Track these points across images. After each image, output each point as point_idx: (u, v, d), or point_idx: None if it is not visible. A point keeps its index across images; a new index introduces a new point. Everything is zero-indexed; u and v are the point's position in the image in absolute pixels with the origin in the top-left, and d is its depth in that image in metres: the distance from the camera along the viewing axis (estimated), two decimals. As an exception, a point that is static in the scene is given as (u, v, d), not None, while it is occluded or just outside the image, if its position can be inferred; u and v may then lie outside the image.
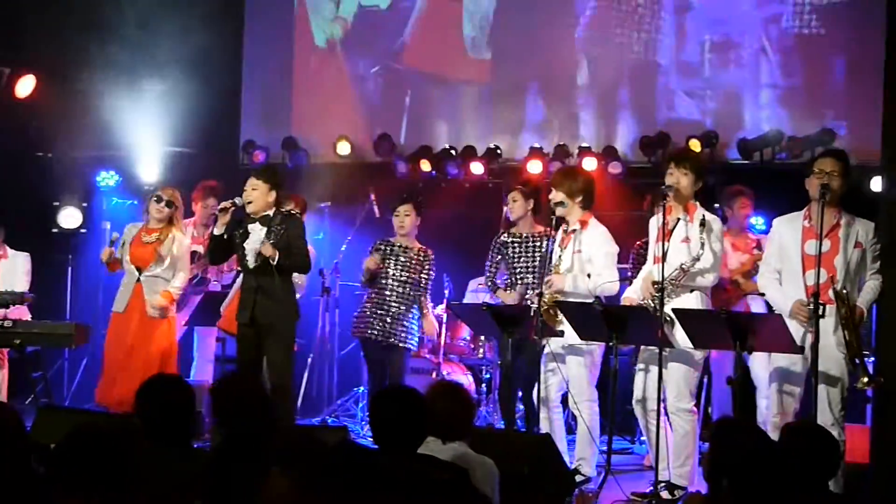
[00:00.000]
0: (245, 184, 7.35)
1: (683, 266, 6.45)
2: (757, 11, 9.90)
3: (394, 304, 8.01)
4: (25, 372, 8.34)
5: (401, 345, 8.00)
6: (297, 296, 7.67)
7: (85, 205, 10.78)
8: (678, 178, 6.64)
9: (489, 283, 7.88)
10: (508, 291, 7.60)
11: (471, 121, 10.79)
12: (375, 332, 7.99)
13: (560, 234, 7.10)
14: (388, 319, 7.99)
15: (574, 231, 7.06)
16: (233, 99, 11.36)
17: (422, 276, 8.05)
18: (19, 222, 8.76)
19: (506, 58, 10.68)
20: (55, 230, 10.67)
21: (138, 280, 7.97)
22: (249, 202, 7.24)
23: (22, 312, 8.26)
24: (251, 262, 7.23)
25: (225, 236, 7.26)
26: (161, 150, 10.94)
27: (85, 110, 10.67)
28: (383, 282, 8.04)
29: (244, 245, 7.27)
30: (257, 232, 7.25)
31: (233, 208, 7.23)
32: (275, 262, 7.09)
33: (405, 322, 8.02)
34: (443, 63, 10.89)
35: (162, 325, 7.98)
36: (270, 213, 7.30)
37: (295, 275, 7.62)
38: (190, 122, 11.03)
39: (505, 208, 8.92)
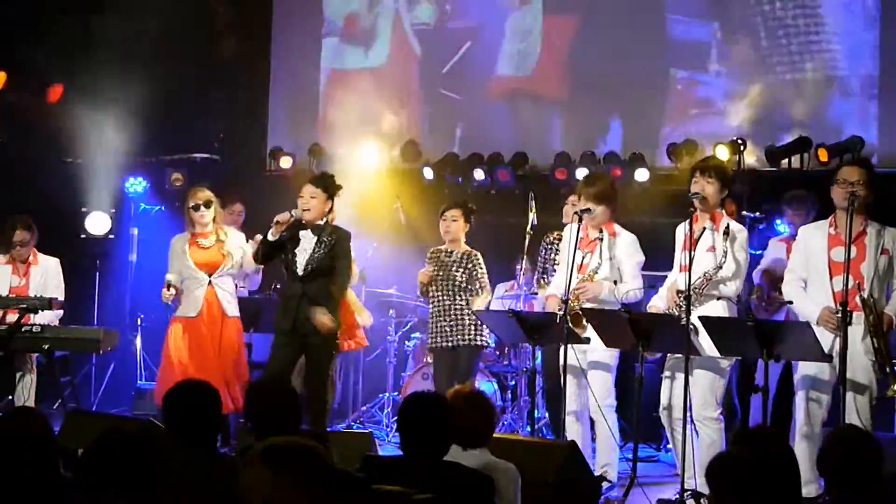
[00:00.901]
0: (286, 191, 7.37)
1: (707, 274, 6.42)
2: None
3: (452, 309, 8.09)
4: (53, 377, 8.37)
5: (469, 343, 8.05)
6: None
7: (113, 210, 10.84)
8: (703, 186, 6.61)
9: (540, 280, 8.01)
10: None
11: (497, 128, 10.79)
12: (445, 340, 8.08)
13: (576, 235, 7.05)
14: (451, 324, 8.07)
15: (600, 238, 7.03)
16: (260, 105, 11.41)
17: (464, 275, 8.08)
18: (47, 228, 8.81)
19: (531, 65, 10.68)
20: (83, 236, 10.74)
21: (210, 283, 7.98)
22: (307, 210, 7.22)
23: (50, 317, 8.30)
24: (300, 269, 7.22)
25: (277, 243, 7.25)
26: (188, 157, 10.99)
27: (113, 117, 10.74)
28: (437, 290, 8.11)
29: (294, 251, 7.25)
30: (308, 240, 7.24)
31: (292, 220, 7.21)
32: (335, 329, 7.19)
33: (468, 321, 8.07)
34: (469, 72, 10.89)
35: (238, 324, 8.07)
36: (322, 222, 7.29)
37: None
38: (217, 129, 11.09)
39: (531, 215, 8.93)
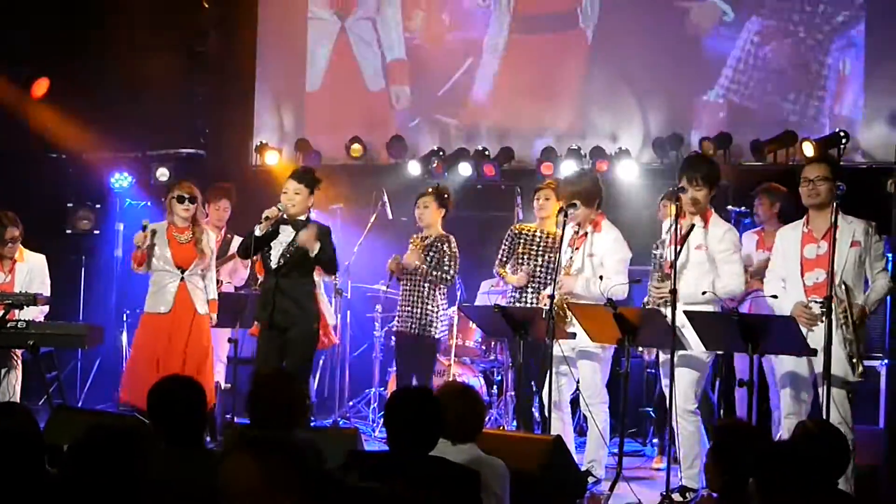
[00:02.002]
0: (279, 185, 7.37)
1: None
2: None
3: (412, 294, 8.15)
4: (39, 373, 8.35)
5: (426, 335, 8.10)
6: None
7: (98, 206, 10.82)
8: (693, 194, 6.67)
9: (498, 268, 8.01)
10: (517, 275, 7.73)
11: (484, 122, 10.79)
12: (403, 325, 8.18)
13: (570, 233, 7.08)
14: (410, 310, 8.14)
15: (587, 233, 7.04)
16: (246, 100, 11.38)
17: (434, 259, 8.09)
18: (33, 223, 8.78)
19: (516, 60, 10.69)
20: (69, 231, 10.71)
21: (182, 280, 7.91)
22: (292, 206, 7.21)
23: (35, 313, 8.28)
24: (274, 261, 7.22)
25: (262, 238, 7.22)
26: (174, 152, 10.97)
27: (99, 112, 10.71)
28: (410, 274, 8.17)
29: (270, 245, 7.24)
30: (287, 234, 7.24)
31: (279, 215, 7.19)
32: (313, 254, 7.12)
33: (425, 311, 8.08)
34: (453, 64, 10.89)
35: (207, 322, 8.00)
36: (303, 217, 7.29)
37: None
38: (203, 124, 11.07)
39: (517, 209, 8.95)
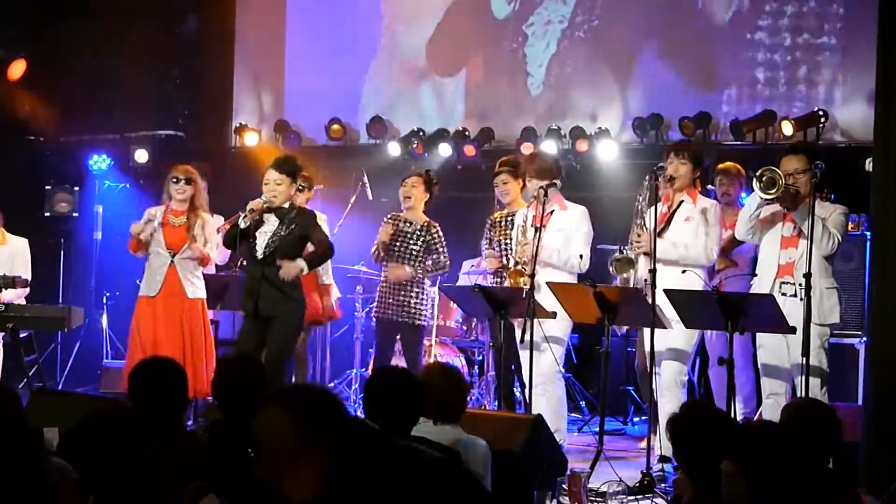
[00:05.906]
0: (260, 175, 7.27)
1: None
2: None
3: (400, 283, 8.05)
4: (18, 356, 8.33)
5: (410, 322, 8.04)
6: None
7: (77, 188, 10.77)
8: (677, 166, 6.84)
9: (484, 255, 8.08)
10: (490, 260, 7.80)
11: (463, 103, 10.78)
12: (388, 312, 8.06)
13: (530, 212, 7.21)
14: (397, 298, 8.05)
15: (552, 212, 7.14)
16: (225, 81, 11.34)
17: (421, 247, 8.06)
18: (11, 206, 8.76)
19: (498, 41, 10.68)
20: (47, 214, 10.67)
21: (171, 263, 7.82)
22: (275, 197, 7.13)
23: (14, 296, 8.25)
24: (259, 251, 7.18)
25: (247, 229, 7.16)
26: (153, 133, 10.93)
27: (76, 94, 10.66)
28: (392, 260, 8.08)
29: (255, 234, 7.17)
30: (271, 223, 7.18)
31: (264, 206, 7.13)
32: (306, 272, 7.16)
33: (412, 298, 8.05)
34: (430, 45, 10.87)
35: (200, 306, 7.90)
36: (287, 205, 7.23)
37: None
38: (182, 105, 11.03)
39: (496, 190, 8.94)
